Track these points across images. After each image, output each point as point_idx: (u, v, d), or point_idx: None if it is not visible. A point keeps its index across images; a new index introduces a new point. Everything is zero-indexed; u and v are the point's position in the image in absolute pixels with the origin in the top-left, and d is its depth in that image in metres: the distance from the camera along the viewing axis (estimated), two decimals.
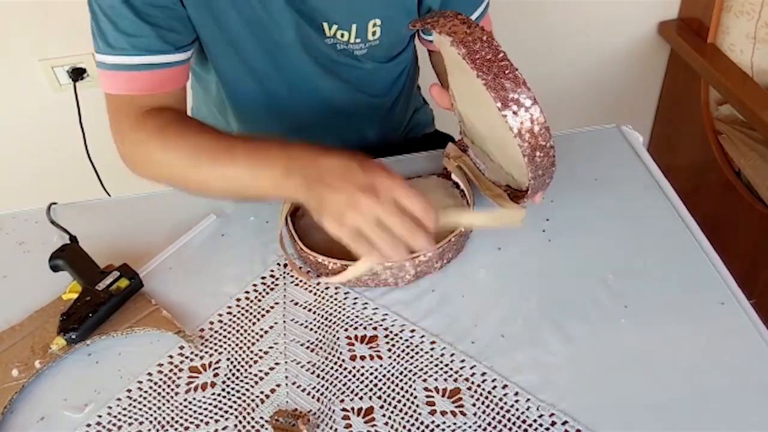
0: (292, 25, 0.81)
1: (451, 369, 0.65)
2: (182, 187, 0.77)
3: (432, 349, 0.67)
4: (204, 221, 0.82)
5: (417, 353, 0.67)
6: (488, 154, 0.76)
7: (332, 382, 0.65)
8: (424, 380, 0.65)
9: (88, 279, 0.73)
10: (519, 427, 0.60)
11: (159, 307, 0.72)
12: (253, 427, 0.62)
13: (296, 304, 0.73)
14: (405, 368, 0.66)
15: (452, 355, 0.67)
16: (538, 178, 0.65)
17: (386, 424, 0.62)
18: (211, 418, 0.63)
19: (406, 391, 0.64)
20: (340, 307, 0.72)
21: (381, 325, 0.70)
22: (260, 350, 0.69)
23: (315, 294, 0.74)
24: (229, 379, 0.66)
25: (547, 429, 0.60)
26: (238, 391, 0.65)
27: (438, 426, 0.61)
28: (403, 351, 0.67)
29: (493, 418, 0.61)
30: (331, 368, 0.66)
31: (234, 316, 0.72)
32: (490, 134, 0.72)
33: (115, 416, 0.64)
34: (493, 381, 0.64)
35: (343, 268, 0.71)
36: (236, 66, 0.87)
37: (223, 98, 0.94)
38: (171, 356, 0.69)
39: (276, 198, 0.72)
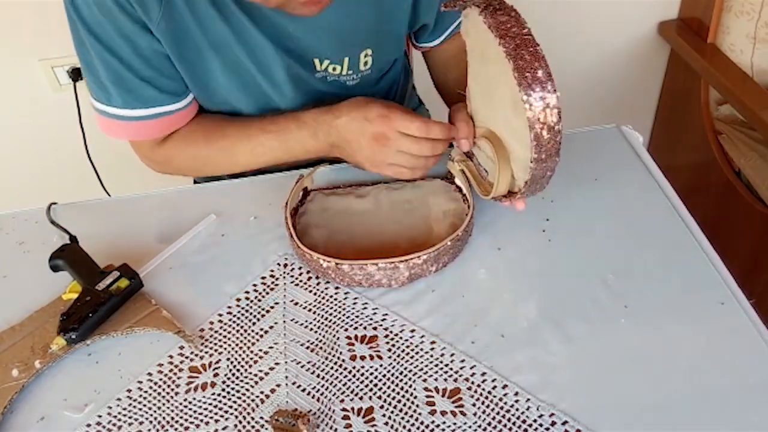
0: (282, 66, 0.80)
1: (451, 369, 0.65)
2: (224, 172, 0.90)
3: (432, 349, 0.67)
4: (204, 221, 0.82)
5: (417, 353, 0.67)
6: (492, 158, 0.76)
7: (332, 382, 0.65)
8: (424, 380, 0.65)
9: (88, 279, 0.73)
10: (519, 427, 0.60)
11: (159, 307, 0.72)
12: (253, 427, 0.62)
13: (296, 304, 0.73)
14: (405, 368, 0.66)
15: (452, 355, 0.67)
16: (540, 162, 0.64)
17: (386, 424, 0.62)
18: (211, 418, 0.63)
19: (406, 391, 0.64)
20: (340, 307, 0.72)
21: (381, 325, 0.70)
22: (260, 350, 0.69)
23: (315, 294, 0.74)
24: (229, 379, 0.66)
25: (547, 429, 0.60)
26: (238, 391, 0.65)
27: (438, 426, 0.61)
28: (403, 351, 0.67)
29: (493, 418, 0.61)
30: (331, 368, 0.66)
31: (234, 316, 0.72)
32: (500, 128, 0.71)
33: (115, 416, 0.64)
34: (493, 381, 0.64)
35: (338, 267, 0.71)
36: (221, 107, 0.87)
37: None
38: (171, 356, 0.69)
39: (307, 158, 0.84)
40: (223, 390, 0.66)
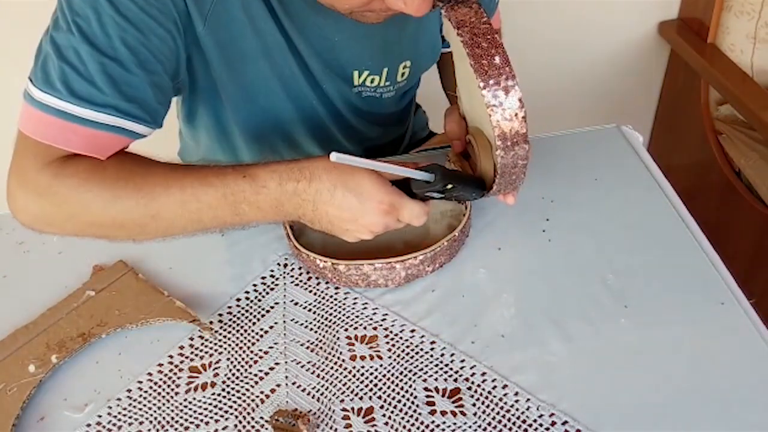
0: (324, 78, 0.79)
1: (451, 369, 0.65)
2: (131, 235, 0.66)
3: (432, 349, 0.67)
4: None
5: (417, 353, 0.67)
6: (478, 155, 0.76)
7: (332, 382, 0.65)
8: (424, 380, 0.65)
9: None
10: (519, 427, 0.60)
11: (172, 298, 0.72)
12: (253, 427, 0.62)
13: (296, 304, 0.73)
14: (405, 368, 0.66)
15: (452, 355, 0.67)
16: (507, 150, 0.62)
17: (386, 424, 0.62)
18: (211, 418, 0.63)
19: (406, 391, 0.64)
20: (340, 307, 0.72)
21: (381, 325, 0.70)
22: (260, 350, 0.69)
23: (315, 294, 0.74)
24: (229, 379, 0.66)
25: (547, 429, 0.60)
26: (238, 391, 0.65)
27: (438, 426, 0.61)
28: (403, 351, 0.67)
29: (493, 418, 0.61)
30: (331, 368, 0.66)
31: (234, 316, 0.72)
32: (483, 122, 0.71)
33: (115, 416, 0.64)
34: (493, 381, 0.64)
35: (334, 268, 0.71)
36: (257, 114, 0.82)
37: (228, 134, 0.87)
38: (171, 356, 0.69)
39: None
40: (223, 390, 0.66)
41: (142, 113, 0.64)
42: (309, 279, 0.75)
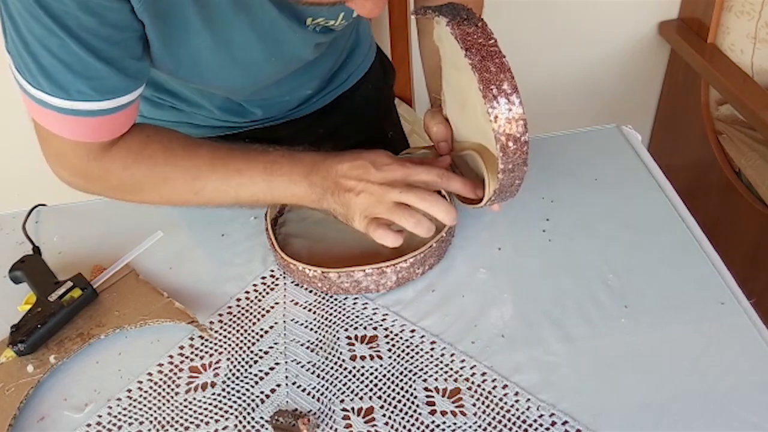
0: (281, 25, 0.73)
1: (451, 369, 0.65)
2: (176, 202, 0.75)
3: (432, 349, 0.67)
4: (151, 237, 0.79)
5: (417, 353, 0.67)
6: (467, 162, 0.76)
7: (332, 382, 0.65)
8: (424, 380, 0.65)
9: (43, 290, 0.72)
10: (519, 427, 0.60)
11: (171, 299, 0.72)
12: (253, 427, 0.62)
13: (296, 304, 0.73)
14: (405, 368, 0.66)
15: (452, 355, 0.67)
16: (507, 173, 0.64)
17: (386, 424, 0.62)
18: (211, 418, 0.63)
19: (406, 391, 0.64)
20: (340, 307, 0.72)
21: (381, 325, 0.70)
22: (260, 350, 0.69)
23: (315, 294, 0.74)
24: (229, 379, 0.66)
25: (547, 429, 0.60)
26: (238, 391, 0.65)
27: (438, 426, 0.61)
28: (403, 351, 0.67)
29: (493, 418, 0.61)
30: (331, 368, 0.66)
31: (234, 316, 0.72)
32: (474, 136, 0.72)
33: (115, 416, 0.64)
34: (493, 381, 0.64)
35: (324, 276, 0.71)
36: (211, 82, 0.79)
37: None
38: (171, 356, 0.69)
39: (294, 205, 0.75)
40: (223, 390, 0.66)
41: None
42: None
